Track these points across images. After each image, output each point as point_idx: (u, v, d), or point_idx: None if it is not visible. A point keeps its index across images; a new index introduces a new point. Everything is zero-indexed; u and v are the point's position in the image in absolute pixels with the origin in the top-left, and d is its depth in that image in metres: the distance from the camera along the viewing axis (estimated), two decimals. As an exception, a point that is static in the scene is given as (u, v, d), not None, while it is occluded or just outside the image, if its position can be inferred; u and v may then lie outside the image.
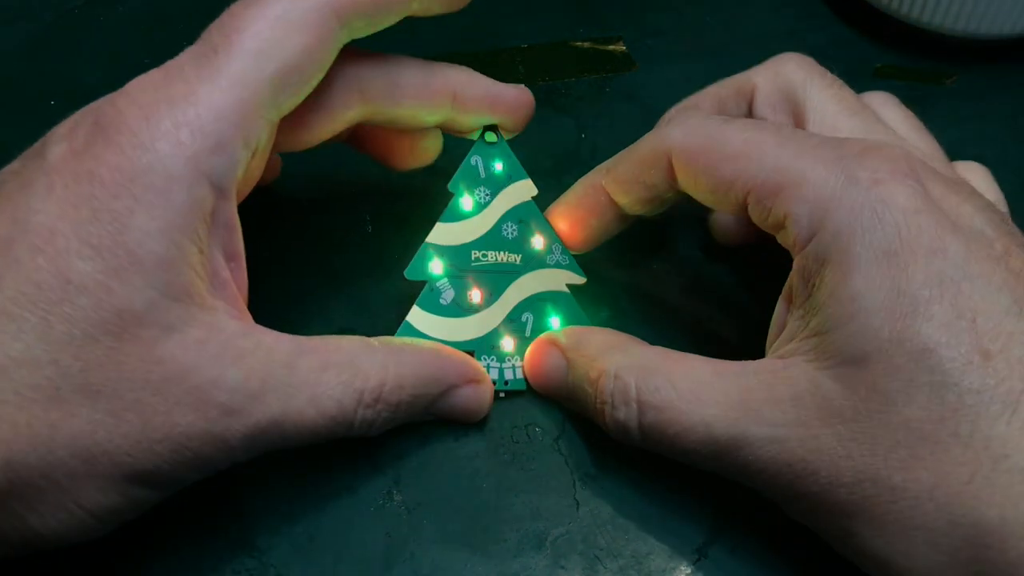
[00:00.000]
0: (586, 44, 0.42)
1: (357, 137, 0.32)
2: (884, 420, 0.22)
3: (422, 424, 0.30)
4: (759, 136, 0.25)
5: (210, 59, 0.24)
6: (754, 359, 0.25)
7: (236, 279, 0.26)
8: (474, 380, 0.29)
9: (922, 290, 0.22)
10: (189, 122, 0.23)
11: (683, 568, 0.27)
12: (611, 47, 0.42)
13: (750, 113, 0.30)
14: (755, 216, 0.26)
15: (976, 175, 0.30)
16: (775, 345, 0.25)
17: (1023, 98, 0.41)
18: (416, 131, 0.32)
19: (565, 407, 0.30)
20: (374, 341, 0.27)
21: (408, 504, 0.28)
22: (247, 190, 0.27)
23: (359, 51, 0.28)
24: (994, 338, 0.21)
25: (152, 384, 0.23)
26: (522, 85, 0.30)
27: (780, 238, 0.25)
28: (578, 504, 0.28)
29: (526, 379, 0.30)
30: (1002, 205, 0.29)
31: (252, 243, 0.34)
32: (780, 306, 0.26)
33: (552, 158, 0.36)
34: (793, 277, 0.25)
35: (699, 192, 0.27)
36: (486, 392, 0.29)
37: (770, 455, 0.23)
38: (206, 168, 0.23)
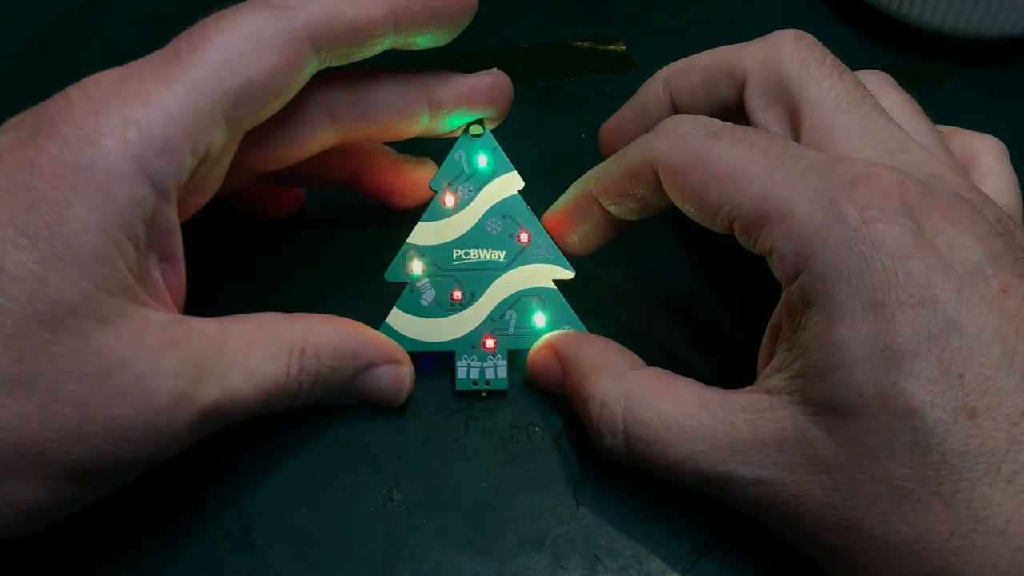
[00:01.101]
0: (586, 44, 0.42)
1: (354, 181, 0.32)
2: (867, 474, 0.22)
3: (422, 424, 0.30)
4: (747, 158, 0.24)
5: (171, 63, 0.24)
6: (750, 358, 0.25)
7: (169, 280, 0.25)
8: (393, 360, 0.29)
9: (908, 344, 0.21)
10: (138, 121, 0.23)
11: (683, 568, 0.27)
12: (611, 47, 0.42)
13: (741, 100, 0.29)
14: (742, 242, 0.25)
15: (989, 153, 0.29)
16: (764, 373, 0.25)
17: (1023, 98, 0.41)
18: (409, 166, 0.32)
19: (565, 407, 0.30)
20: (293, 314, 0.27)
21: (408, 504, 0.28)
22: (202, 200, 0.27)
23: (330, 72, 0.28)
24: (981, 395, 0.21)
25: (91, 376, 0.22)
26: (495, 69, 0.30)
27: (769, 264, 0.25)
28: (578, 504, 0.28)
29: (513, 378, 0.30)
30: (1013, 187, 0.28)
31: (253, 244, 0.34)
32: (769, 333, 0.26)
33: (552, 158, 0.36)
34: (780, 309, 0.25)
35: (686, 209, 0.26)
36: (405, 374, 0.29)
37: (756, 495, 0.24)
38: (150, 169, 0.23)
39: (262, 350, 0.26)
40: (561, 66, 0.41)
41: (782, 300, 0.24)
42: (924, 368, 0.21)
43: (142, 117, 0.23)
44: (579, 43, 0.42)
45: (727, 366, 0.28)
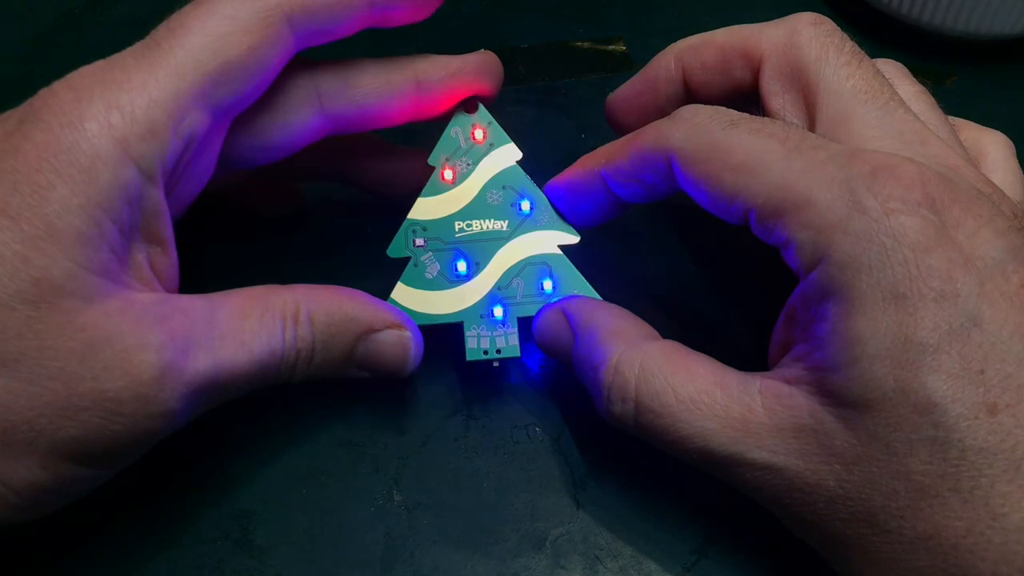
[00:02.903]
0: (586, 44, 0.42)
1: (347, 172, 0.32)
2: (884, 468, 0.21)
3: (422, 424, 0.30)
4: (764, 147, 0.24)
5: (151, 50, 0.25)
6: (752, 348, 0.25)
7: (158, 263, 0.25)
8: (394, 325, 0.28)
9: (930, 338, 0.21)
10: (121, 106, 0.24)
11: (683, 568, 0.27)
12: (611, 47, 0.42)
13: (755, 82, 0.28)
14: (757, 232, 0.25)
15: (996, 149, 0.29)
16: (782, 362, 0.24)
17: (1023, 98, 0.41)
18: (401, 155, 0.32)
19: (565, 407, 0.30)
20: (286, 285, 0.27)
21: (408, 504, 0.28)
22: (195, 189, 0.27)
23: (314, 61, 0.28)
24: (1002, 391, 0.21)
25: (76, 351, 0.22)
26: (483, 49, 0.30)
27: (783, 256, 0.24)
28: (578, 504, 0.28)
29: (531, 344, 0.29)
30: (1020, 184, 0.28)
31: (253, 244, 0.34)
32: (782, 321, 0.25)
33: (552, 158, 0.36)
34: (795, 300, 0.24)
35: (699, 198, 0.26)
36: (408, 339, 0.28)
37: (767, 480, 0.23)
38: (135, 152, 0.24)
39: (254, 319, 0.25)
40: (561, 66, 0.41)
41: (798, 292, 0.24)
42: (945, 363, 0.21)
43: (124, 101, 0.24)
44: (579, 43, 0.42)
45: (727, 356, 0.28)
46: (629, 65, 0.41)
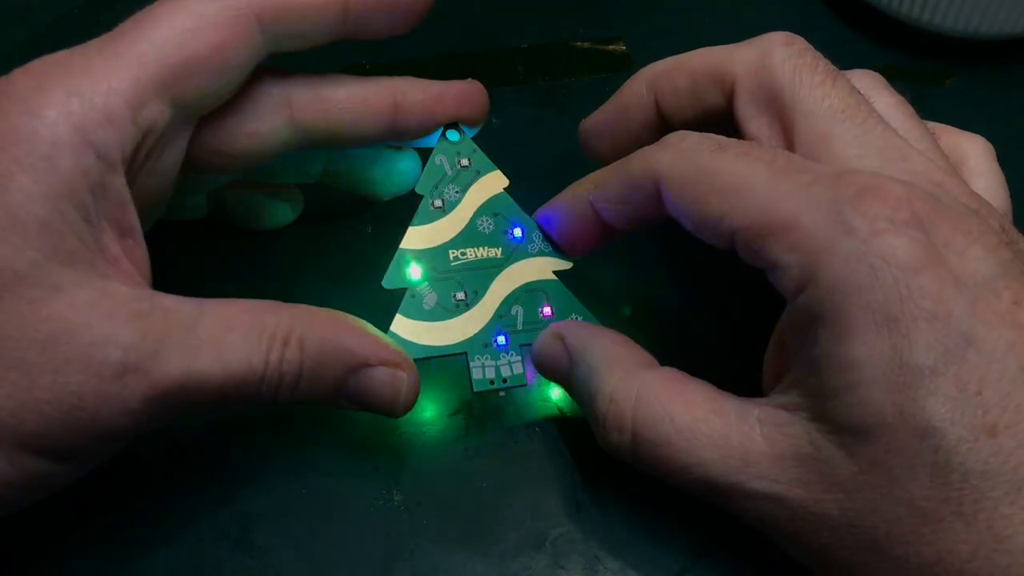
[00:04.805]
0: (586, 44, 0.42)
1: (330, 174, 0.32)
2: (886, 495, 0.21)
3: (422, 424, 0.30)
4: (750, 169, 0.24)
5: (116, 41, 0.25)
6: (745, 373, 0.25)
7: (132, 255, 0.25)
8: (390, 363, 0.27)
9: (925, 361, 0.21)
10: (80, 92, 0.23)
11: (683, 568, 0.27)
12: (611, 47, 0.42)
13: (729, 106, 0.28)
14: (743, 255, 0.24)
15: (978, 154, 0.29)
16: (778, 389, 0.24)
17: (1023, 98, 0.41)
18: (387, 155, 0.32)
19: (565, 407, 0.30)
20: (286, 304, 0.26)
21: (408, 504, 0.28)
22: (159, 185, 0.27)
23: (288, 71, 0.28)
24: (1001, 412, 0.20)
25: (38, 342, 0.22)
26: (470, 78, 0.30)
27: (770, 278, 0.24)
28: (578, 504, 0.28)
29: (527, 373, 0.29)
30: (1003, 189, 0.28)
31: (252, 245, 0.34)
32: (774, 345, 0.25)
33: (552, 158, 0.36)
34: (785, 324, 0.24)
35: (685, 222, 0.26)
36: (402, 379, 0.27)
37: (769, 510, 0.23)
38: (94, 139, 0.23)
39: (240, 334, 0.25)
40: (561, 66, 0.41)
41: (787, 315, 0.24)
42: (942, 385, 0.21)
43: (84, 88, 0.23)
44: (579, 43, 0.42)
45: (724, 380, 0.28)
46: (629, 65, 0.41)
